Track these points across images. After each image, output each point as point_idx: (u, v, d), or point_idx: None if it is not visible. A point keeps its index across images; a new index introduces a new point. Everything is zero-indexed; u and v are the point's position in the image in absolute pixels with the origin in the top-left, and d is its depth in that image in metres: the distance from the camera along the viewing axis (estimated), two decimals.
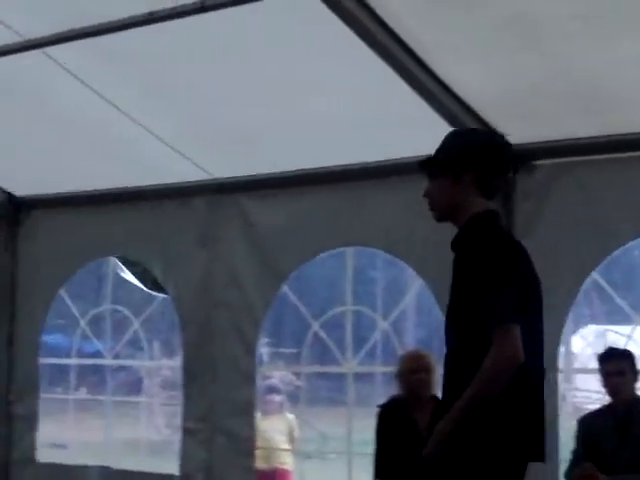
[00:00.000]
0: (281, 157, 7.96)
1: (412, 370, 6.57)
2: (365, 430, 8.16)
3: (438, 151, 4.26)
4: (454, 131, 4.48)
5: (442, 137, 6.79)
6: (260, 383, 8.88)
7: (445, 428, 3.87)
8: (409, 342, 8.26)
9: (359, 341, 8.30)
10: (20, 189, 10.02)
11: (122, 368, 10.46)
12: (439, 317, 7.74)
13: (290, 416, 10.26)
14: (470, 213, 4.13)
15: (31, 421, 10.07)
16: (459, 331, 4.01)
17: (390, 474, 6.45)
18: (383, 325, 8.24)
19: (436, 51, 6.25)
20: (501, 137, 4.46)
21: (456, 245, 4.15)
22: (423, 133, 6.93)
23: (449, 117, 6.61)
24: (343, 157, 7.84)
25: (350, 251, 8.21)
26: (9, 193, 10.07)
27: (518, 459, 3.96)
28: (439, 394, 5.81)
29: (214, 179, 8.72)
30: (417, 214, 7.66)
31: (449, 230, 7.51)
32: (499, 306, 3.83)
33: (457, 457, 3.87)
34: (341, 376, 8.70)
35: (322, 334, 8.34)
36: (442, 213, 4.25)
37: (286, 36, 6.60)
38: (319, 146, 7.75)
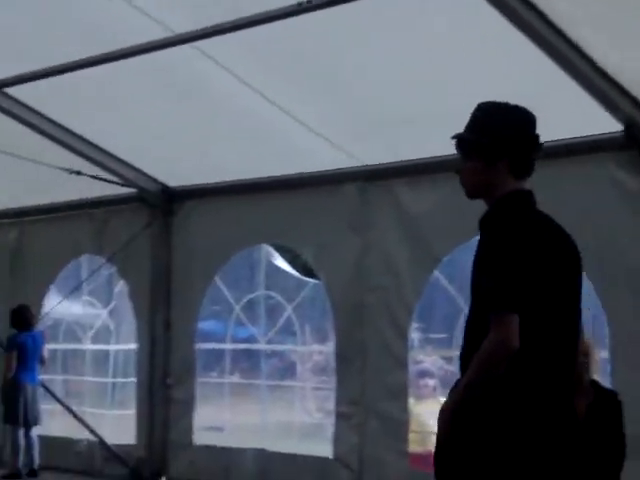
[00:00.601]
0: (431, 142, 7.94)
1: None
2: None
3: (470, 131, 4.11)
4: (486, 109, 4.18)
5: (596, 121, 6.71)
6: (412, 367, 8.90)
7: (444, 413, 3.88)
8: None
9: None
10: (174, 180, 10.29)
11: (274, 353, 10.59)
12: (593, 301, 7.63)
13: (443, 400, 10.18)
14: (500, 193, 4.07)
15: (188, 404, 10.35)
16: (473, 313, 3.99)
17: None
18: None
19: (591, 34, 6.17)
20: (531, 113, 4.28)
21: (483, 224, 4.09)
22: (577, 117, 6.89)
23: (604, 100, 6.53)
24: None
25: None
26: (163, 184, 10.34)
27: (531, 445, 3.91)
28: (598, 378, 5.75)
29: (365, 166, 8.77)
30: (563, 197, 7.61)
31: (597, 215, 7.42)
32: (497, 293, 3.80)
33: (467, 444, 3.86)
34: None
35: None
36: (474, 192, 4.18)
37: (431, 23, 6.61)
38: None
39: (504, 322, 3.78)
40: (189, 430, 10.34)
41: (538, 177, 7.43)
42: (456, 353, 9.13)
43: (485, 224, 4.04)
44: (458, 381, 3.96)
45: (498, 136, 4.04)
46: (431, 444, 10.42)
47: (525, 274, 3.82)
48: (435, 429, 3.95)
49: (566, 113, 6.98)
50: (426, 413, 9.94)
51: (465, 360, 3.94)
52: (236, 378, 10.80)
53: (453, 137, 4.16)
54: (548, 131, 7.01)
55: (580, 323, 4.13)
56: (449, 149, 8.11)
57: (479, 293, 3.93)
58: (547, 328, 3.89)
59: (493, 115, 4.14)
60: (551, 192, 7.55)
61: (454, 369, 9.28)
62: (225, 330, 10.48)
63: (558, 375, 3.96)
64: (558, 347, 3.94)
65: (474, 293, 3.98)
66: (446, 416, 3.90)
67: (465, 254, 8.37)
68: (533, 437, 3.89)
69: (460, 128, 7.67)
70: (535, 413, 3.88)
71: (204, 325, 10.58)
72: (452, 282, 8.44)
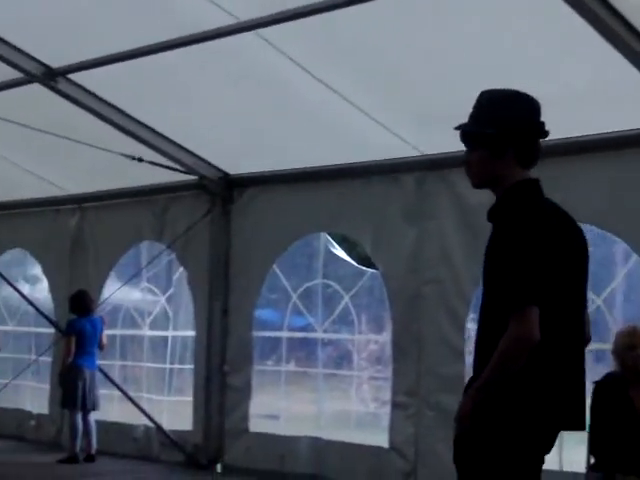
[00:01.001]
0: None
1: (629, 346, 6.41)
2: None
3: (476, 121, 4.03)
4: (490, 98, 4.11)
5: None
6: (469, 359, 8.86)
7: (465, 406, 3.82)
8: (618, 319, 8.05)
9: None
10: (234, 168, 10.34)
11: (330, 342, 10.60)
12: None
13: None
14: (508, 183, 4.02)
15: (245, 392, 10.41)
16: (487, 306, 3.92)
17: (605, 451, 6.36)
18: (597, 302, 8.05)
19: None
20: (536, 100, 4.21)
21: (493, 216, 4.03)
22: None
23: None
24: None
25: None
26: (223, 172, 10.40)
27: (545, 430, 3.93)
28: None
29: (423, 155, 8.74)
30: (629, 188, 7.55)
31: None
32: (517, 287, 3.78)
33: (484, 434, 3.83)
34: None
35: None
36: (481, 183, 4.12)
37: (498, 12, 6.58)
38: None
39: (525, 315, 3.75)
40: (245, 417, 10.40)
41: (615, 166, 7.39)
42: None
43: (496, 216, 4.00)
44: (472, 380, 3.92)
45: (504, 126, 3.99)
46: None
47: (540, 265, 3.80)
48: None
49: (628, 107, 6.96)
50: None
51: (480, 356, 3.89)
52: (292, 366, 10.82)
53: (456, 128, 4.09)
54: (611, 123, 7.01)
55: (585, 312, 4.12)
56: None
57: (494, 287, 3.88)
58: (560, 318, 3.87)
59: (498, 104, 4.07)
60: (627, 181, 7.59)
61: None
62: (282, 318, 10.52)
63: (572, 365, 3.96)
64: (570, 337, 3.93)
65: (487, 286, 3.93)
66: (465, 423, 3.86)
67: None
68: (549, 430, 3.91)
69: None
70: (552, 405, 3.88)
71: (261, 313, 10.62)
72: None
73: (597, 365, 8.26)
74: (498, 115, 4.02)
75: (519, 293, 3.78)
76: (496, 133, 3.98)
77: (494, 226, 3.96)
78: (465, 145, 4.09)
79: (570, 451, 7.95)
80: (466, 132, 4.07)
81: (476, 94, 7.33)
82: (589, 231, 8.39)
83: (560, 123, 7.43)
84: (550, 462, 8.00)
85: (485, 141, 4.00)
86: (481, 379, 3.80)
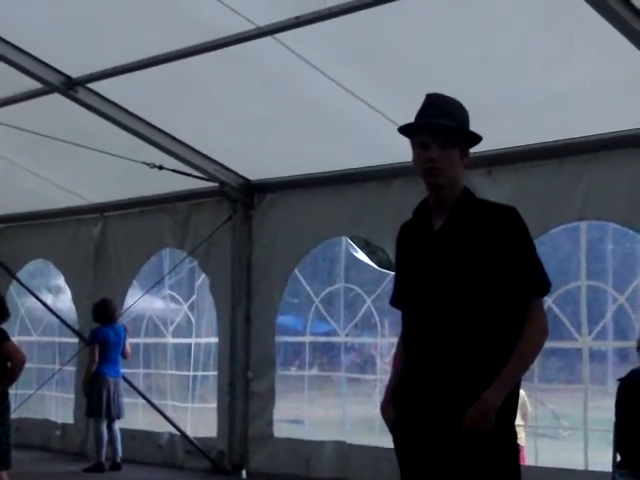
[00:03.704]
0: (508, 132, 7.91)
1: None
2: (598, 409, 8.01)
3: (458, 122, 4.00)
4: (452, 102, 4.11)
5: None
6: None
7: (498, 400, 3.77)
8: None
9: (594, 317, 8.11)
10: (254, 173, 10.36)
11: (353, 346, 10.61)
12: None
13: (521, 392, 10.09)
14: (460, 186, 4.07)
15: (268, 397, 10.41)
16: (482, 298, 3.85)
17: (632, 448, 6.31)
18: (620, 299, 8.03)
19: None
20: None
21: (464, 212, 4.01)
22: None
23: None
24: (573, 130, 7.77)
25: (583, 225, 8.05)
26: (244, 177, 10.42)
27: None
28: None
29: None
30: None
31: None
32: (543, 277, 3.92)
33: (503, 428, 3.85)
34: (575, 352, 8.54)
35: (555, 309, 8.22)
36: (445, 183, 4.05)
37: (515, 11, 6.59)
38: (549, 121, 7.67)
39: (543, 307, 3.95)
40: (269, 423, 10.41)
41: (636, 163, 7.37)
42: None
43: (475, 214, 4.00)
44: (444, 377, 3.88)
45: (468, 125, 4.08)
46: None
47: None
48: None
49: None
50: None
51: (479, 351, 3.85)
52: (315, 371, 10.83)
53: (435, 123, 4.01)
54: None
55: None
56: (525, 139, 8.15)
57: (493, 280, 3.86)
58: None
59: (459, 108, 4.12)
60: None
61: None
62: (305, 323, 10.52)
63: None
64: None
65: (485, 281, 3.89)
66: (493, 418, 3.82)
67: (542, 245, 8.32)
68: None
69: (540, 117, 7.66)
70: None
71: (284, 318, 10.63)
72: None
73: (621, 363, 8.24)
74: (466, 116, 4.08)
75: (544, 283, 3.91)
76: (470, 132, 4.03)
77: (479, 224, 3.95)
78: (442, 142, 4.00)
79: (595, 451, 7.93)
80: (455, 129, 4.04)
81: (499, 94, 7.44)
82: (611, 229, 8.41)
83: (579, 120, 7.50)
84: (576, 462, 8.04)
85: (460, 141, 4.02)
86: (512, 371, 3.79)
